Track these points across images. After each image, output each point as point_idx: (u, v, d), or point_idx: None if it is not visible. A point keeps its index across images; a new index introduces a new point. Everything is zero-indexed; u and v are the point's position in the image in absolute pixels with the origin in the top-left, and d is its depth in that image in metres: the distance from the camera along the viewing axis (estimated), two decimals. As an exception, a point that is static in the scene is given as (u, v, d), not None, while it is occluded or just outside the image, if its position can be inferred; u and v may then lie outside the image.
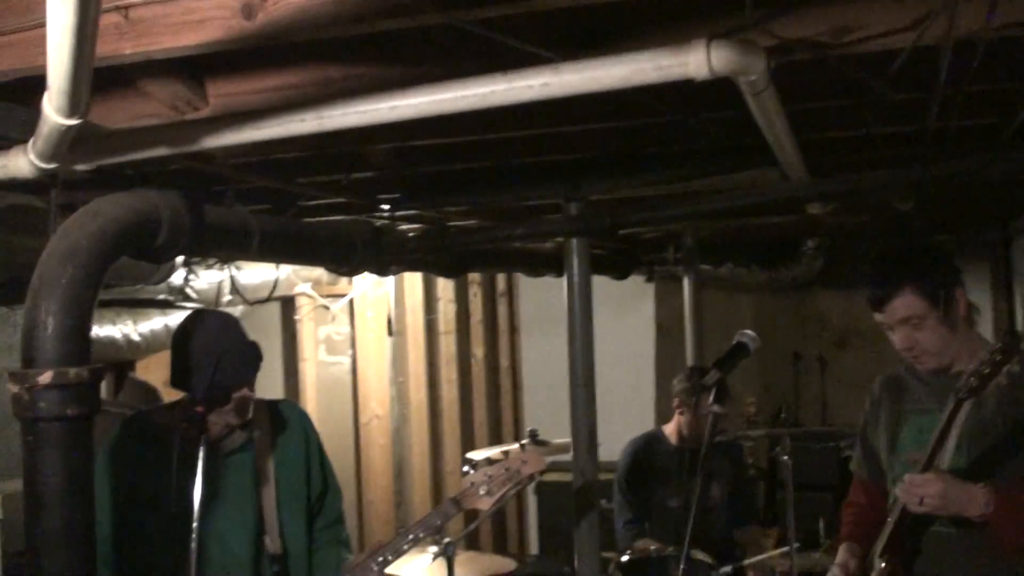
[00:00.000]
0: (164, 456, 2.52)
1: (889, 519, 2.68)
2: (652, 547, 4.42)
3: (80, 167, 2.31)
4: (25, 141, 2.08)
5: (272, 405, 2.96)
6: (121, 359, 4.69)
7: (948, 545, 2.65)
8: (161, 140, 2.19)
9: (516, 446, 4.64)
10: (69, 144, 1.92)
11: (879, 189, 3.34)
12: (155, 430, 2.79)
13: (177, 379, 2.71)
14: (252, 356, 2.73)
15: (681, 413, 4.59)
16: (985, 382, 2.47)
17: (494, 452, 4.68)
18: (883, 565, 2.68)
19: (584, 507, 3.54)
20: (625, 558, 3.90)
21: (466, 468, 2.95)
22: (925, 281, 2.60)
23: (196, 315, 2.85)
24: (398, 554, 2.75)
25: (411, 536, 2.79)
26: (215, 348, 2.65)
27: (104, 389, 4.87)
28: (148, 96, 2.18)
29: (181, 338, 2.72)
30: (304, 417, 3.02)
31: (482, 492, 2.80)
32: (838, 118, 2.78)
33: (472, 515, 2.95)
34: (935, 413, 2.68)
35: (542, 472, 2.91)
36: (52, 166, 2.07)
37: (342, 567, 2.83)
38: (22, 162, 2.11)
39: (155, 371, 5.14)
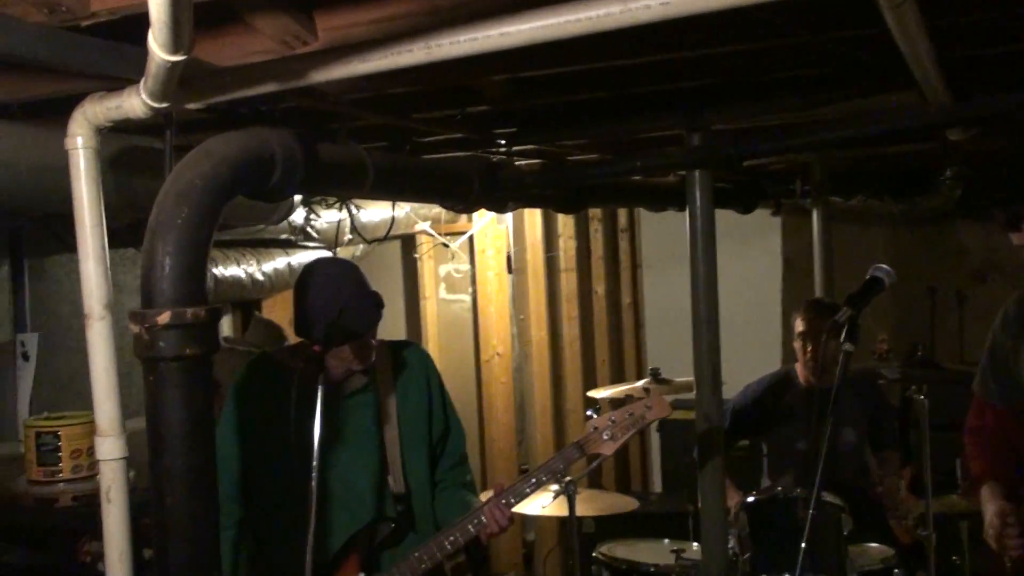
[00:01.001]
0: (285, 396, 2.55)
1: None
2: (779, 489, 4.33)
3: (192, 106, 2.30)
4: (139, 81, 2.08)
5: (395, 346, 2.98)
6: (247, 298, 4.78)
7: None
8: (270, 76, 2.15)
9: (639, 384, 4.57)
10: (177, 82, 1.91)
11: (1027, 111, 3.10)
12: (278, 370, 2.83)
13: (299, 328, 2.75)
14: (373, 306, 2.72)
15: (805, 351, 4.45)
16: None
17: (616, 391, 4.62)
18: None
19: (707, 446, 3.46)
20: (751, 499, 3.81)
21: (589, 412, 2.90)
22: None
23: (316, 264, 2.87)
24: (521, 497, 2.75)
25: (534, 480, 2.78)
26: (335, 301, 2.66)
27: (231, 328, 4.98)
28: (257, 31, 2.14)
29: (302, 289, 2.74)
30: (426, 358, 3.02)
31: (605, 436, 2.78)
32: (986, 32, 2.57)
33: (595, 457, 2.89)
34: None
35: (666, 416, 2.86)
36: (163, 105, 2.06)
37: (466, 509, 2.83)
38: (135, 102, 2.11)
39: (280, 310, 5.23)
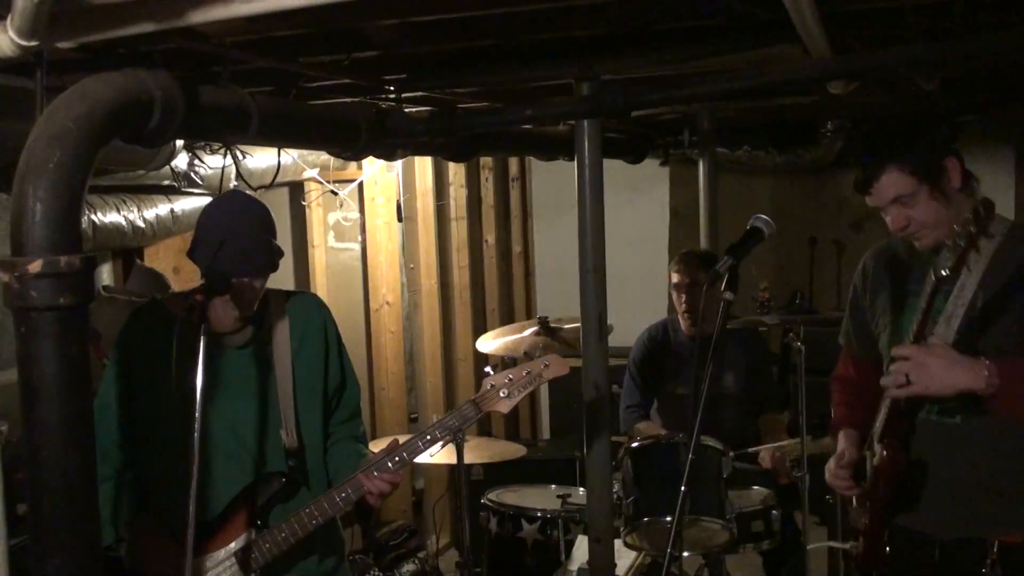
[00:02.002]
0: (170, 345, 2.47)
1: (883, 403, 2.62)
2: (661, 432, 4.45)
3: (64, 44, 2.20)
4: (5, 18, 1.98)
5: (292, 297, 2.93)
6: (127, 246, 4.64)
7: (948, 435, 2.59)
8: (147, 14, 2.07)
9: (527, 333, 4.61)
10: (48, 18, 1.83)
11: (906, 66, 3.19)
12: (165, 318, 2.75)
13: (191, 250, 2.70)
14: (262, 250, 2.67)
15: (681, 303, 4.56)
16: (962, 259, 2.36)
17: (504, 340, 4.65)
18: (884, 452, 2.63)
19: (594, 393, 3.51)
20: (635, 444, 3.89)
21: (488, 368, 2.90)
22: (908, 156, 2.49)
23: (230, 192, 2.87)
24: (414, 453, 2.73)
25: (428, 437, 2.77)
26: (226, 228, 2.63)
27: (111, 276, 4.83)
28: (133, -33, 2.06)
29: (204, 210, 2.75)
30: (323, 309, 2.97)
31: (503, 395, 2.77)
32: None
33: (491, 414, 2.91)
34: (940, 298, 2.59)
35: (562, 375, 2.84)
36: (33, 43, 1.97)
37: (359, 463, 2.80)
38: (2, 39, 2.00)
39: (164, 258, 5.09)
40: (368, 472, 2.69)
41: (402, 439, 2.81)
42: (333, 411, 2.94)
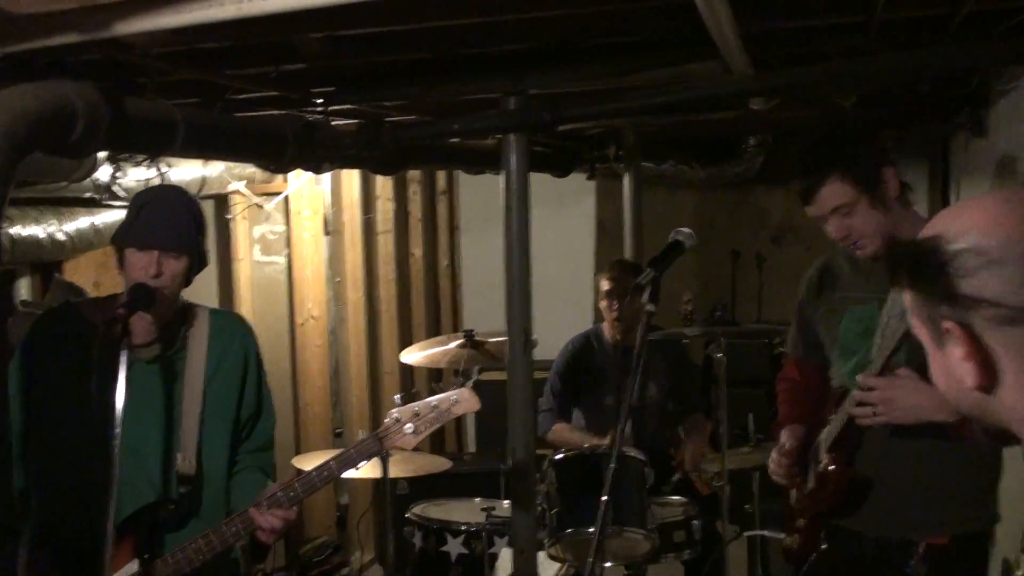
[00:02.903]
0: (85, 355, 2.37)
1: (838, 416, 2.70)
2: (578, 435, 4.51)
3: (-15, 54, 2.17)
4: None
5: (214, 315, 2.80)
6: (46, 259, 4.55)
7: (884, 438, 2.68)
8: (72, 25, 2.05)
9: (452, 345, 4.61)
10: (-32, 28, 1.80)
11: (822, 83, 3.29)
12: (79, 326, 2.63)
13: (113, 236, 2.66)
14: (180, 226, 2.57)
15: (612, 309, 4.64)
16: None
17: (430, 352, 4.65)
18: (832, 466, 2.72)
19: (518, 405, 3.53)
20: (559, 456, 3.92)
21: (397, 398, 2.74)
22: (848, 166, 2.58)
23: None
24: (310, 489, 2.57)
25: (325, 472, 2.59)
26: (147, 197, 2.59)
27: (29, 291, 4.73)
28: (57, -23, 2.04)
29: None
30: (247, 333, 2.84)
31: (408, 430, 2.60)
32: (784, 8, 2.70)
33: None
34: (874, 303, 2.68)
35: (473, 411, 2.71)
36: (-47, 52, 1.94)
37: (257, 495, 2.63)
38: (-80, 48, 1.97)
39: (84, 272, 5.00)
40: (260, 507, 2.54)
41: (309, 466, 2.67)
42: (243, 440, 2.80)
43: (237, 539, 2.55)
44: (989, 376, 1.15)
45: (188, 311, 2.75)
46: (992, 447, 2.60)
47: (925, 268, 1.16)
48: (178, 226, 2.58)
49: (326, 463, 2.60)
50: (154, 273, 2.54)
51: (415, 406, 2.62)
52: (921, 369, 2.52)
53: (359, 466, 2.64)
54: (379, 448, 2.62)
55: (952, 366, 1.18)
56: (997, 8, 2.74)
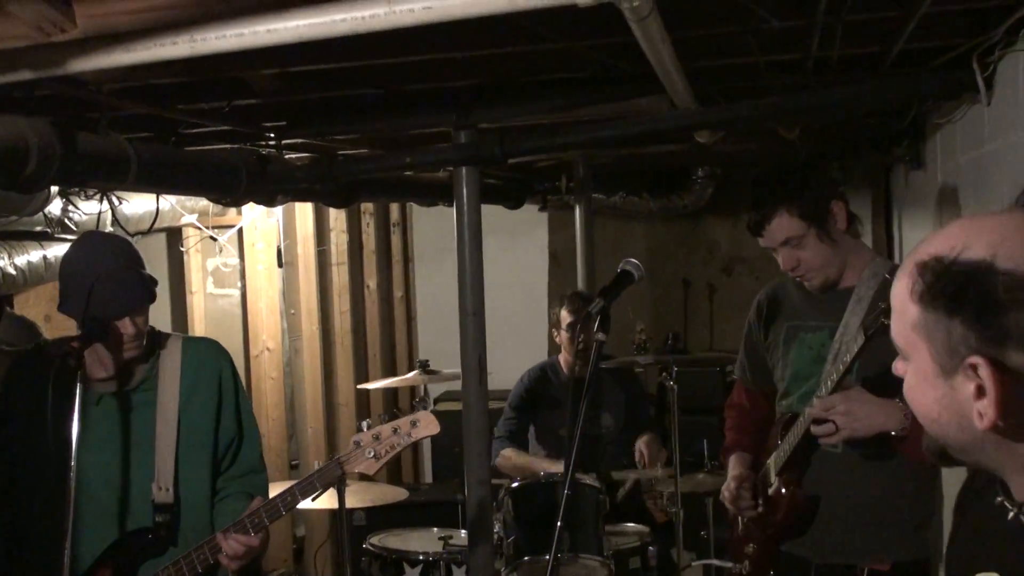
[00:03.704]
0: (44, 394, 2.37)
1: (787, 440, 2.76)
2: (529, 459, 4.55)
3: (-63, 91, 2.19)
4: None
5: (187, 342, 2.80)
6: (-3, 293, 4.52)
7: (830, 463, 2.75)
8: (25, 63, 2.08)
9: (409, 376, 4.64)
10: (-77, 66, 1.82)
11: (764, 117, 3.38)
12: (42, 366, 2.60)
13: (60, 303, 2.61)
14: (134, 284, 2.59)
15: (575, 342, 4.66)
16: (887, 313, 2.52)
17: (386, 383, 4.68)
18: (783, 489, 2.79)
19: (474, 435, 3.57)
20: (515, 484, 3.96)
21: (362, 424, 2.74)
22: (797, 200, 2.66)
23: (84, 236, 2.72)
24: (274, 514, 2.56)
25: (288, 498, 2.59)
26: (91, 272, 2.53)
27: (-21, 325, 4.70)
28: (11, 16, 2.06)
29: (64, 260, 2.64)
30: (220, 358, 2.82)
31: (368, 455, 2.60)
32: (724, 46, 2.79)
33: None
34: (825, 331, 2.75)
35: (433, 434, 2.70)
36: (-94, 90, 1.96)
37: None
38: None
39: (35, 305, 4.97)
40: (226, 532, 2.53)
41: (274, 492, 2.66)
42: (228, 466, 2.80)
43: (203, 564, 2.53)
44: (1006, 418, 1.05)
45: (159, 341, 2.76)
46: (931, 467, 2.67)
47: (973, 294, 1.04)
48: (134, 284, 2.60)
49: (289, 489, 2.60)
50: (133, 333, 2.60)
51: (376, 430, 2.62)
52: (868, 385, 2.61)
53: (319, 493, 2.64)
54: (341, 473, 2.62)
55: (960, 401, 1.08)
56: (926, 47, 2.85)
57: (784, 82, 3.15)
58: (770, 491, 2.85)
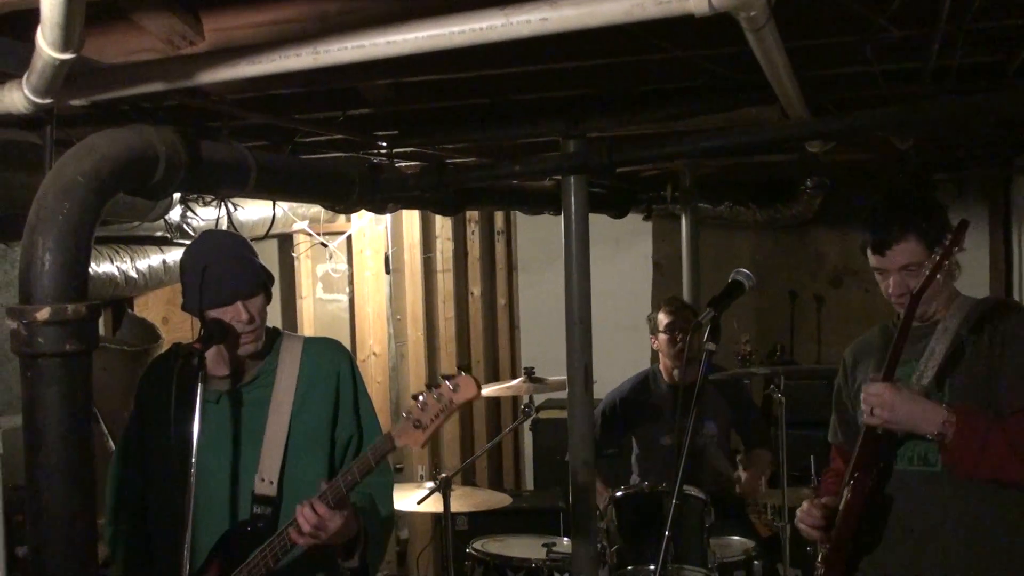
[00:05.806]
0: (169, 393, 2.47)
1: (857, 444, 2.71)
2: (645, 483, 4.51)
3: (75, 102, 2.29)
4: (20, 76, 2.06)
5: (308, 342, 2.85)
6: (119, 296, 4.69)
7: (926, 482, 2.68)
8: (156, 75, 2.16)
9: (514, 383, 4.67)
10: (63, 79, 1.90)
11: (879, 128, 3.32)
12: (171, 367, 2.64)
13: (182, 300, 2.70)
14: (244, 269, 2.66)
15: (675, 342, 4.62)
16: (934, 270, 2.53)
17: (490, 390, 4.71)
18: (848, 494, 2.71)
19: (579, 443, 3.57)
20: (619, 493, 3.95)
21: (418, 395, 2.68)
22: (927, 228, 2.61)
23: (201, 234, 2.81)
24: (337, 494, 2.51)
25: (348, 477, 2.54)
26: (203, 259, 2.62)
27: (102, 326, 4.88)
28: (143, 30, 2.15)
29: (181, 259, 2.73)
30: (340, 357, 2.84)
31: (414, 425, 2.52)
32: (839, 55, 2.75)
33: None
34: (912, 363, 2.69)
35: (475, 398, 2.57)
36: (47, 101, 2.05)
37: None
38: (16, 97, 2.08)
39: (154, 308, 5.15)
40: (304, 507, 2.50)
41: None
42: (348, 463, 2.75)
43: (283, 551, 2.54)
44: None
45: (279, 339, 2.82)
46: None
47: None
48: (244, 268, 2.68)
49: (348, 468, 2.56)
50: (246, 319, 2.65)
51: (422, 400, 2.54)
52: (956, 393, 2.55)
53: (371, 469, 2.56)
54: (391, 445, 2.55)
55: None
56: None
57: (900, 91, 3.08)
58: (841, 504, 2.76)
